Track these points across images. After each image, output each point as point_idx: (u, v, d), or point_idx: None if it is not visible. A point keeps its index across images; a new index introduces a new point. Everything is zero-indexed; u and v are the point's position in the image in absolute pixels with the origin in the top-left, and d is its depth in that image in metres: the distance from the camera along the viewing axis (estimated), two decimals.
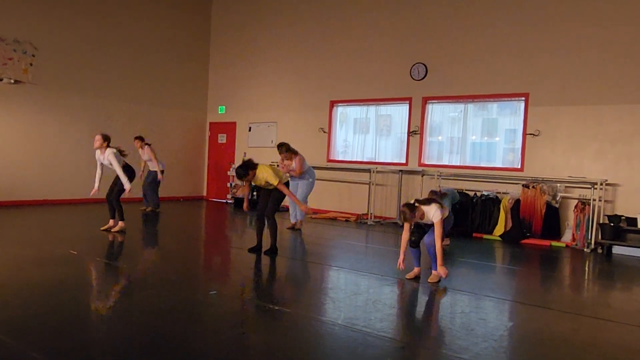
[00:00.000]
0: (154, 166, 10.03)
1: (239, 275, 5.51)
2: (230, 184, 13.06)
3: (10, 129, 10.00)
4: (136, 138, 10.15)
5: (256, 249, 6.33)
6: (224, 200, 13.24)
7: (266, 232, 6.32)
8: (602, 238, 7.71)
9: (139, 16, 12.11)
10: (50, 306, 3.91)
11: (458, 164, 9.73)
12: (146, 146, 10.06)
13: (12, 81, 9.84)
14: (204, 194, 13.96)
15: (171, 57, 12.82)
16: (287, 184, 6.30)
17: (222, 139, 13.62)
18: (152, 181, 10.07)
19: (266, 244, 6.28)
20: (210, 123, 13.86)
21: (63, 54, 10.68)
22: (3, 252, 5.79)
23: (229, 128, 13.41)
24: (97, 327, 3.66)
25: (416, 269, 5.35)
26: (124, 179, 7.18)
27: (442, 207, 5.10)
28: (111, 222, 7.46)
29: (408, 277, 5.28)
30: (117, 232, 7.33)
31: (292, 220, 8.56)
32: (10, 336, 3.23)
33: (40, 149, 10.44)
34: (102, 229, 7.42)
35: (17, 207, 9.75)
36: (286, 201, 8.49)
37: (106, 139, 7.23)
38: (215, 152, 13.75)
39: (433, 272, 5.19)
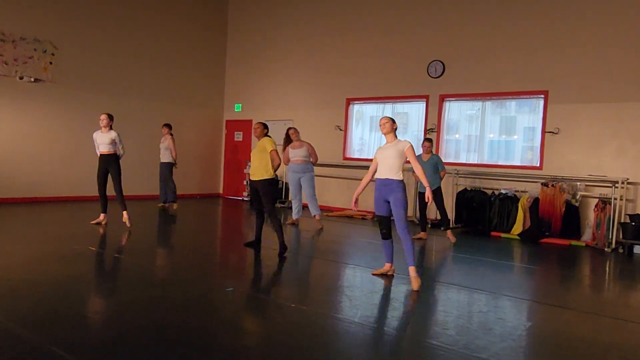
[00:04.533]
0: (168, 157, 10.06)
1: (255, 273, 5.52)
2: (247, 182, 13.10)
3: (30, 127, 10.15)
4: (165, 125, 10.25)
5: (253, 244, 6.36)
6: (240, 198, 13.30)
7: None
8: (623, 237, 7.58)
9: (157, 16, 12.19)
10: (69, 301, 3.96)
11: (476, 162, 9.64)
12: (170, 136, 10.12)
13: (32, 80, 9.98)
14: (220, 191, 14.03)
15: (188, 55, 12.90)
16: (275, 182, 6.18)
17: (238, 136, 13.68)
18: (168, 172, 10.08)
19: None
20: (227, 121, 13.92)
21: (82, 53, 10.80)
22: (24, 247, 5.88)
23: (246, 126, 13.45)
24: (115, 322, 3.69)
25: (386, 266, 5.19)
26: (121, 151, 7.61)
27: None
28: (102, 216, 7.65)
29: (373, 274, 5.22)
30: (130, 225, 7.41)
31: (295, 217, 8.53)
32: (29, 330, 3.28)
33: (60, 146, 10.58)
34: (129, 224, 7.46)
35: (37, 204, 9.89)
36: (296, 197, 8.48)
37: (112, 119, 7.62)
38: (232, 150, 13.81)
39: (410, 270, 4.84)
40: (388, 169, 4.92)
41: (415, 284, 4.74)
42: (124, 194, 7.65)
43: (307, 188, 8.30)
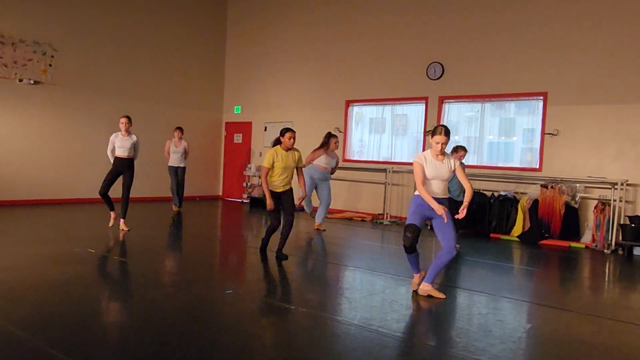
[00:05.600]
0: (183, 161, 10.22)
1: (254, 275, 5.51)
2: (246, 184, 13.10)
3: (30, 129, 10.14)
4: (179, 128, 10.30)
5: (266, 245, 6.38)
6: (240, 200, 13.29)
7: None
8: (622, 239, 7.58)
9: (156, 17, 12.20)
10: (68, 304, 3.95)
11: (475, 164, 9.63)
12: (184, 140, 10.32)
13: (32, 82, 9.99)
14: (220, 193, 14.02)
15: (188, 57, 12.90)
16: (291, 191, 6.08)
17: (237, 138, 13.68)
18: (182, 177, 10.24)
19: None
20: (226, 123, 13.92)
21: (81, 55, 10.81)
22: (22, 250, 5.87)
23: (245, 128, 13.46)
24: (114, 324, 3.69)
25: (416, 276, 4.81)
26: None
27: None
28: (112, 214, 7.59)
29: (414, 289, 4.78)
30: (128, 229, 7.39)
31: (308, 211, 8.94)
32: (28, 333, 3.27)
33: (59, 148, 10.58)
34: (126, 229, 7.43)
35: (36, 206, 9.88)
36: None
37: (131, 122, 7.55)
38: (231, 152, 13.81)
39: (423, 283, 4.64)
40: (444, 188, 4.70)
41: (441, 294, 4.55)
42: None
43: (327, 195, 8.45)
